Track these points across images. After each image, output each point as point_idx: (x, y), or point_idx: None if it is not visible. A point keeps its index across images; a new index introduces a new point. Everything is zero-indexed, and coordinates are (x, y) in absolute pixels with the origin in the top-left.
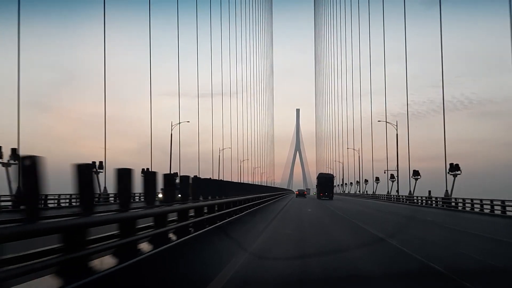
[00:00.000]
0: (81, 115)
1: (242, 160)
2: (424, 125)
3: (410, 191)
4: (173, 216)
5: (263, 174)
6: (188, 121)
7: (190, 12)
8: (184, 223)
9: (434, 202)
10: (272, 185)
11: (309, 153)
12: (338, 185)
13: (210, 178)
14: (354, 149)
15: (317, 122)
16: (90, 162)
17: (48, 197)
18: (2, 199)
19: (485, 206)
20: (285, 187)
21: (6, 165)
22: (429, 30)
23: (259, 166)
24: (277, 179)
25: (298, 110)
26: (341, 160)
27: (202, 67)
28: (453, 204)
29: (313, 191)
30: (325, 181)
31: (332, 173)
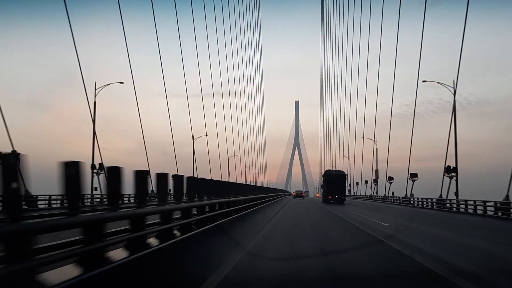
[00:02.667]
0: (80, 115)
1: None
2: (423, 125)
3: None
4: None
5: (249, 167)
6: (232, 155)
7: (187, 11)
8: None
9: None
10: (263, 186)
11: (310, 154)
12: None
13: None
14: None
15: (321, 114)
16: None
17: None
18: None
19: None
20: (282, 188)
21: None
22: (427, 30)
23: (236, 153)
24: (273, 178)
25: (297, 103)
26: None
27: (197, 68)
28: None
29: (315, 192)
30: (335, 179)
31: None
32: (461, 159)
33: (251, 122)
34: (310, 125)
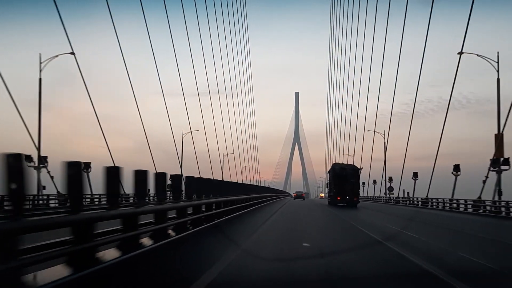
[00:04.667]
0: (80, 114)
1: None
2: (423, 124)
3: None
4: None
5: (227, 156)
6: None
7: (186, 11)
8: None
9: None
10: (258, 185)
11: (311, 153)
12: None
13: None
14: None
15: (328, 96)
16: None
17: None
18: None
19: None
20: (280, 188)
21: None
22: (425, 29)
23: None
24: (268, 177)
25: (297, 94)
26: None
27: (196, 67)
28: None
29: (318, 192)
30: (346, 175)
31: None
32: (461, 158)
33: (241, 113)
34: (311, 124)
